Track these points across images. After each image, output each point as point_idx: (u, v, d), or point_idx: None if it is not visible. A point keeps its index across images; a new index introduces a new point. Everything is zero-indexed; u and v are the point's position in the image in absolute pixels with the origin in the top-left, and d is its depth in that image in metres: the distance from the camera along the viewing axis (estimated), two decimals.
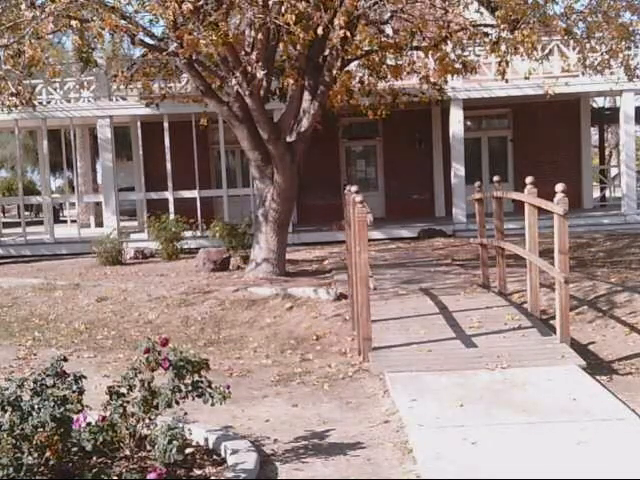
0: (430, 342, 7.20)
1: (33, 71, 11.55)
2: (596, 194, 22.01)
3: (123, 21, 9.98)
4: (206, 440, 4.86)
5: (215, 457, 4.68)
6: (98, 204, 19.88)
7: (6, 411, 4.03)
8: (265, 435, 5.18)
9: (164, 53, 10.51)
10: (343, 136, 20.19)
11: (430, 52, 12.43)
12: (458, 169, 16.61)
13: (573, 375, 6.04)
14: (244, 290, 10.52)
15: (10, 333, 9.42)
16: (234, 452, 4.57)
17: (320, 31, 9.22)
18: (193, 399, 4.45)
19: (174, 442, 4.09)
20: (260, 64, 10.02)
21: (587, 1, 11.41)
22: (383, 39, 12.24)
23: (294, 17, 8.89)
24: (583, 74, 13.04)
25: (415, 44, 12.25)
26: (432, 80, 13.39)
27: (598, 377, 6.26)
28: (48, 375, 4.33)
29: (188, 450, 4.48)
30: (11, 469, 3.74)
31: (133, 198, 20.14)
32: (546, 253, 8.24)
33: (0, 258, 16.35)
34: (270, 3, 9.21)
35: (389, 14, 12.08)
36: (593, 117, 21.09)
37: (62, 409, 4.04)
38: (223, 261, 13.01)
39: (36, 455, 3.83)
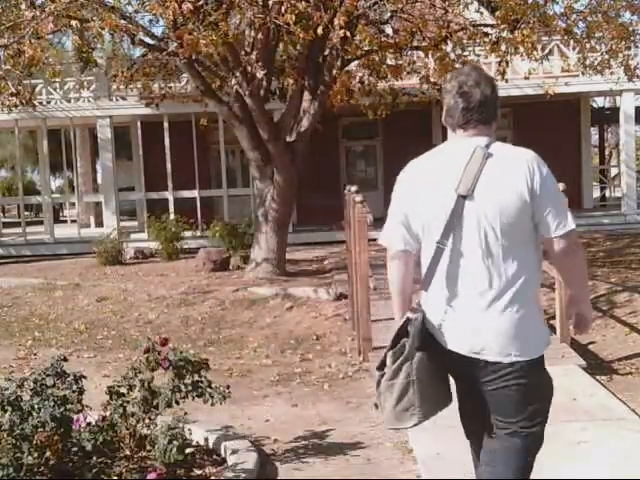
0: None
1: (33, 71, 11.56)
2: (596, 194, 22.01)
3: (123, 21, 9.99)
4: (206, 440, 4.85)
5: (215, 457, 4.68)
6: (98, 204, 19.89)
7: (6, 411, 4.03)
8: (265, 435, 5.18)
9: (164, 53, 10.51)
10: (343, 136, 20.18)
11: (430, 52, 12.43)
12: None
13: (573, 375, 6.03)
14: (244, 290, 10.53)
15: (10, 333, 9.42)
16: (234, 452, 4.56)
17: (320, 31, 9.22)
18: (193, 399, 4.45)
19: (174, 442, 4.09)
20: (260, 64, 10.04)
21: (587, 1, 11.42)
22: (383, 39, 12.25)
23: (294, 17, 8.90)
24: (583, 74, 13.04)
25: (415, 44, 12.26)
26: (432, 80, 13.39)
27: (598, 377, 6.26)
28: (48, 375, 4.32)
29: (188, 450, 4.46)
30: (11, 469, 3.74)
31: (133, 198, 20.16)
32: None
33: (0, 258, 16.35)
34: (270, 3, 9.22)
35: (389, 14, 12.09)
36: (593, 117, 21.08)
37: (62, 409, 4.03)
38: (223, 261, 13.01)
39: (36, 455, 3.83)
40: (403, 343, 2.87)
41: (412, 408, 2.88)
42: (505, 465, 2.95)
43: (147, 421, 4.41)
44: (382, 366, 2.94)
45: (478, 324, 2.81)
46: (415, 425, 2.93)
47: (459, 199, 2.82)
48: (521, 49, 10.84)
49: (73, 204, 20.44)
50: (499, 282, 2.82)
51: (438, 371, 2.91)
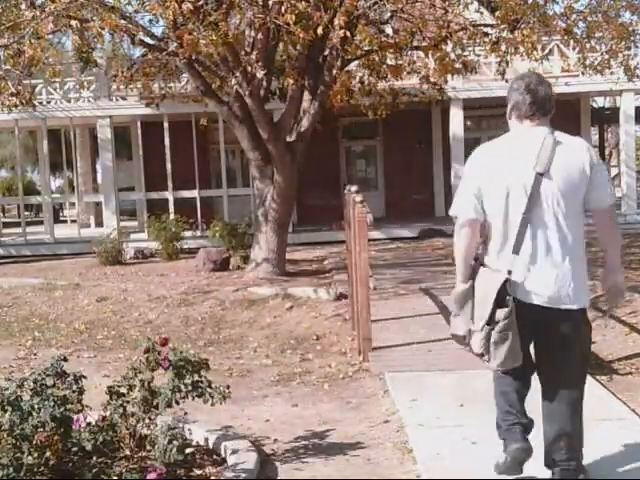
0: (430, 342, 7.20)
1: (33, 71, 11.56)
2: None
3: (123, 21, 9.99)
4: (206, 440, 4.85)
5: (215, 457, 4.68)
6: (98, 204, 19.90)
7: (6, 411, 4.03)
8: (265, 435, 5.18)
9: (164, 53, 10.51)
10: (343, 136, 20.19)
11: (430, 52, 12.45)
12: (458, 169, 16.58)
13: None
14: (244, 290, 10.53)
15: (10, 333, 9.42)
16: (234, 452, 4.56)
17: (320, 31, 9.22)
18: (193, 399, 4.45)
19: (174, 442, 4.09)
20: (260, 64, 10.04)
21: (587, 1, 11.42)
22: (383, 39, 12.26)
23: (294, 17, 8.90)
24: (583, 74, 13.05)
25: (415, 44, 12.27)
26: (432, 80, 13.40)
27: (598, 377, 6.25)
28: (48, 375, 4.32)
29: (188, 450, 4.46)
30: (11, 469, 3.74)
31: (133, 198, 20.17)
32: None
33: (0, 258, 16.35)
34: (270, 3, 9.22)
35: (389, 14, 12.10)
36: (593, 117, 21.08)
37: (62, 409, 4.03)
38: (223, 261, 13.01)
39: (36, 455, 3.83)
40: (509, 301, 3.50)
41: (519, 353, 3.57)
42: (575, 397, 3.69)
43: (147, 421, 4.41)
44: (490, 321, 3.54)
45: (558, 279, 3.53)
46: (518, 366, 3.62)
47: (537, 176, 3.52)
48: (521, 49, 10.85)
49: (73, 204, 20.44)
50: (566, 247, 3.55)
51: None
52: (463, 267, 3.69)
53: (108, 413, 4.37)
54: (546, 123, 3.66)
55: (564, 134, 3.65)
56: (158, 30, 14.13)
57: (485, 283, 3.59)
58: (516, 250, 3.53)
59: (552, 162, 3.51)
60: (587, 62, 11.84)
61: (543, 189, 3.51)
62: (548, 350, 3.66)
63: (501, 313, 3.51)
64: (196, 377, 4.45)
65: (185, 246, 15.45)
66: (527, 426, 3.80)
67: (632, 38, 11.39)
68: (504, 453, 3.79)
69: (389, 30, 13.03)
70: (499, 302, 3.51)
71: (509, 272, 3.51)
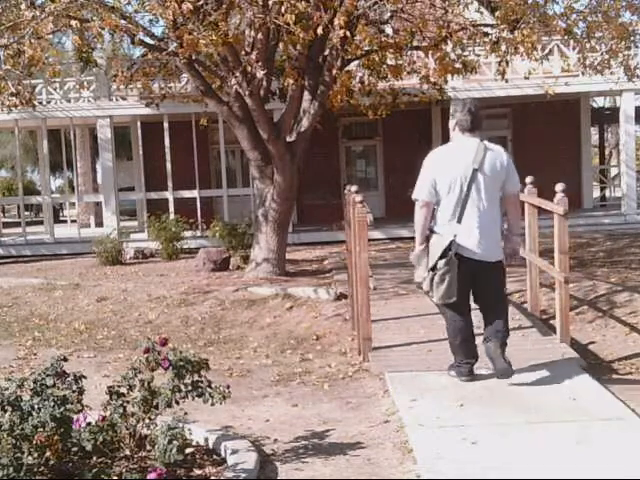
0: (430, 342, 7.20)
1: (33, 71, 11.54)
2: (596, 194, 22.01)
3: (123, 21, 9.98)
4: (206, 440, 4.86)
5: (215, 457, 4.68)
6: (98, 204, 19.91)
7: (6, 411, 4.03)
8: (265, 435, 5.18)
9: (164, 53, 10.50)
10: (343, 136, 20.18)
11: (430, 52, 12.43)
12: None
13: (573, 375, 6.04)
14: (244, 290, 10.52)
15: (10, 333, 9.41)
16: (234, 452, 4.57)
17: (320, 31, 9.21)
18: (193, 399, 4.45)
19: (174, 442, 4.09)
20: (260, 64, 10.02)
21: (587, 1, 11.41)
22: (383, 39, 12.25)
23: (294, 17, 8.89)
24: (583, 74, 13.05)
25: (415, 44, 12.27)
26: (432, 80, 13.38)
27: (598, 377, 6.26)
28: (48, 375, 4.32)
29: (188, 450, 4.47)
30: (11, 469, 3.74)
31: (133, 198, 20.18)
32: (546, 253, 8.23)
33: (0, 258, 16.35)
34: (270, 3, 9.21)
35: (389, 14, 12.09)
36: (593, 117, 21.09)
37: (62, 409, 4.03)
38: (223, 261, 13.01)
39: (36, 455, 3.83)
40: (450, 254, 5.29)
41: (454, 291, 5.36)
42: (502, 309, 5.76)
43: (147, 421, 4.41)
44: (433, 269, 5.35)
45: (485, 242, 5.41)
46: (455, 301, 5.41)
47: (474, 171, 5.31)
48: (521, 49, 10.84)
49: (73, 204, 20.46)
50: (490, 217, 5.42)
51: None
52: (421, 234, 5.51)
53: (108, 413, 4.37)
54: (478, 135, 5.40)
55: (490, 143, 5.42)
56: (158, 30, 14.12)
57: (437, 244, 5.37)
58: (459, 221, 5.34)
59: (484, 161, 5.31)
60: (587, 62, 11.83)
61: (478, 179, 5.31)
62: (484, 286, 5.53)
63: (441, 262, 5.30)
64: (196, 377, 4.46)
65: (185, 246, 15.44)
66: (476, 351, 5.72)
67: (632, 38, 11.36)
68: (457, 365, 5.78)
69: (389, 30, 13.02)
70: (443, 256, 5.29)
71: (455, 236, 5.30)
